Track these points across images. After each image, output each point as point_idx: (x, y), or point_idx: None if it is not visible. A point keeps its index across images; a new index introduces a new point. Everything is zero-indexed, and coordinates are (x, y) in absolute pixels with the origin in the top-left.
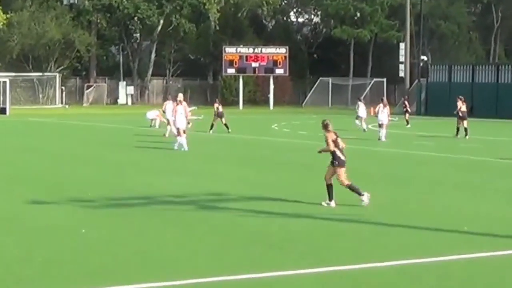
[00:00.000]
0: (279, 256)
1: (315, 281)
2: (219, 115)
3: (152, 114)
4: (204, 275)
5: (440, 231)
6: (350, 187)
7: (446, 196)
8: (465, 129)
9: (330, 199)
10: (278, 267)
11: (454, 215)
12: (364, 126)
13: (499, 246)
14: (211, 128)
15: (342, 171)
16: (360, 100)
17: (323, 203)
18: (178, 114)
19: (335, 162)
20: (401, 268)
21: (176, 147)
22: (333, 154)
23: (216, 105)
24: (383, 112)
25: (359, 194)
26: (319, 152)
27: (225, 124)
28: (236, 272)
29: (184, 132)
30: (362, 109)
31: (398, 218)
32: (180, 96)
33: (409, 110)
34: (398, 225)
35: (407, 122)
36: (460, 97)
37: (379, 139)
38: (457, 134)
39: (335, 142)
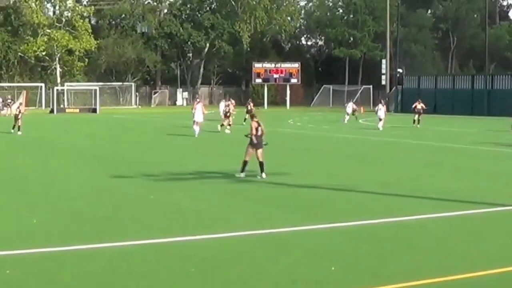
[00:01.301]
0: (293, 216)
1: (318, 235)
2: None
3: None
4: (237, 229)
5: (411, 196)
6: (244, 162)
7: (415, 171)
8: (419, 121)
9: (242, 171)
10: (290, 224)
11: (422, 186)
12: (380, 125)
13: (446, 209)
14: (244, 120)
15: (249, 149)
16: (380, 103)
17: (236, 175)
18: (197, 111)
19: (251, 142)
20: (389, 225)
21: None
22: (251, 137)
23: (248, 105)
24: (381, 110)
25: (242, 170)
26: (246, 136)
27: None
28: (261, 227)
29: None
30: (381, 111)
31: (381, 188)
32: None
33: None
34: (382, 193)
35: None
36: (419, 100)
37: (378, 129)
38: (414, 123)
39: (256, 129)
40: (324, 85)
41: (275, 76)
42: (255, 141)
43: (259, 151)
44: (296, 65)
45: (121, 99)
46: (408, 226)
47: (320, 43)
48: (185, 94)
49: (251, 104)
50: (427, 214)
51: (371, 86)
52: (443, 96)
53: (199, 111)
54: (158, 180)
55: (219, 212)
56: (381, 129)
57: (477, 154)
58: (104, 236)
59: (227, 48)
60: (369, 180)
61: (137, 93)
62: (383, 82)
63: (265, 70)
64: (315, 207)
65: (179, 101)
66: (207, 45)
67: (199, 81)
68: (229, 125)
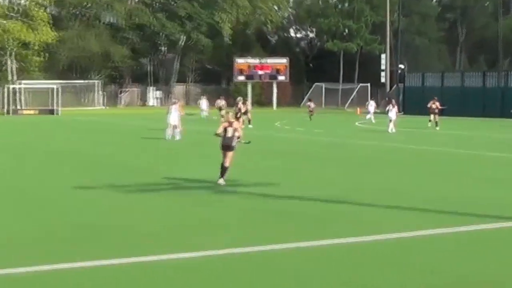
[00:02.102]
0: (285, 230)
1: (313, 252)
2: (244, 112)
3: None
4: (222, 247)
5: (418, 209)
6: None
7: (417, 177)
8: (436, 123)
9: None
10: (282, 240)
11: (426, 193)
12: (391, 127)
13: (457, 223)
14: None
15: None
16: (391, 102)
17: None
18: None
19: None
20: (389, 242)
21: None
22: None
23: (242, 105)
24: (392, 111)
25: (221, 176)
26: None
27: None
28: (249, 244)
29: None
30: (393, 112)
31: (383, 200)
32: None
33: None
34: (384, 205)
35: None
36: (435, 98)
37: (388, 131)
38: (429, 125)
39: (225, 130)
40: (315, 83)
41: (260, 73)
42: (223, 142)
43: (228, 154)
44: (284, 60)
45: (84, 99)
46: (413, 242)
47: (311, 35)
48: (158, 93)
49: (243, 103)
50: (438, 228)
51: (368, 84)
52: (451, 95)
53: (175, 113)
54: (126, 191)
55: (198, 227)
56: (392, 131)
57: (492, 161)
58: (63, 256)
59: (206, 41)
60: (371, 191)
61: (103, 92)
62: (383, 80)
63: (249, 66)
64: (308, 221)
65: (150, 101)
66: (183, 37)
67: (173, 79)
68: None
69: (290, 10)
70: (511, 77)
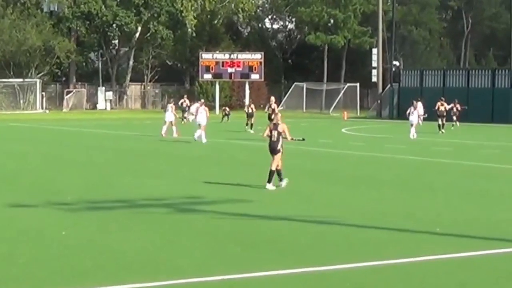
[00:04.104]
0: (256, 256)
1: (293, 281)
2: (249, 115)
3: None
4: (181, 276)
5: (415, 232)
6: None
7: (417, 197)
8: (443, 125)
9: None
10: (256, 268)
11: (427, 215)
12: (412, 132)
13: (461, 248)
14: (247, 125)
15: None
16: (412, 104)
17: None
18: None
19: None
20: (376, 268)
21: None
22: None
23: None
24: (413, 114)
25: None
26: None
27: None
28: (212, 273)
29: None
30: (414, 116)
31: (373, 219)
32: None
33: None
34: (371, 225)
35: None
36: (442, 99)
37: (410, 138)
38: (439, 130)
39: (270, 133)
40: (295, 83)
41: (230, 70)
42: (269, 145)
43: (275, 157)
44: (258, 55)
45: (21, 101)
46: (406, 269)
47: (290, 26)
48: (109, 94)
49: (273, 104)
50: (430, 255)
51: (357, 84)
52: (454, 97)
53: (203, 113)
54: (73, 210)
55: (157, 253)
56: (413, 137)
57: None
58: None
59: (166, 33)
60: (358, 209)
61: (44, 93)
62: (374, 79)
63: (217, 63)
64: (285, 244)
65: (100, 104)
66: (139, 29)
67: (128, 77)
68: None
69: None
70: None
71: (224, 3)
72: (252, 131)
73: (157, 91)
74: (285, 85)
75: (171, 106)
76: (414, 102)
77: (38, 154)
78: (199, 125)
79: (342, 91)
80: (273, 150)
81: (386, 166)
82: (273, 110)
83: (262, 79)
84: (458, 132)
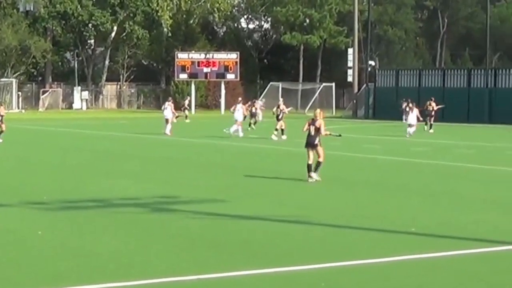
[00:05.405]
0: (229, 257)
1: (267, 281)
2: (253, 115)
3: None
4: (155, 276)
5: (389, 232)
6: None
7: (392, 198)
8: (431, 125)
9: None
10: (229, 268)
11: (401, 217)
12: (409, 131)
13: (436, 248)
14: (250, 126)
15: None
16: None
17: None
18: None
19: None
20: (351, 268)
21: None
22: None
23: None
24: (412, 113)
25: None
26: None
27: (254, 123)
28: (185, 273)
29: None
30: (413, 116)
31: (344, 219)
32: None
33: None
34: (344, 226)
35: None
36: (432, 98)
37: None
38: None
39: (308, 128)
40: (271, 83)
41: (206, 70)
42: (307, 140)
43: (313, 151)
44: (234, 55)
45: None
46: (380, 269)
47: (266, 26)
48: (85, 94)
49: (281, 105)
50: (402, 255)
51: (333, 84)
52: (430, 97)
53: (240, 111)
54: (47, 212)
55: (130, 253)
56: (408, 136)
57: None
58: None
59: (142, 33)
60: (332, 210)
61: (20, 93)
62: (350, 79)
63: (192, 63)
64: (258, 245)
65: (76, 104)
66: (115, 28)
67: (104, 77)
68: (276, 129)
69: None
70: (500, 76)
71: (199, 3)
72: (254, 128)
73: (132, 90)
74: (261, 85)
75: (169, 104)
76: (411, 103)
77: (13, 155)
78: (236, 120)
79: (318, 91)
80: (311, 145)
81: (361, 166)
82: (281, 110)
83: (238, 79)
84: (435, 132)
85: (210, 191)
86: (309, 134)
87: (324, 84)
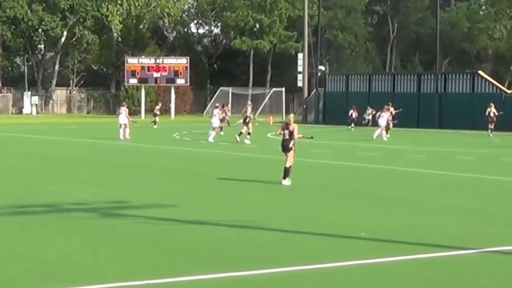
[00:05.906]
0: (178, 262)
1: (216, 286)
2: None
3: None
4: (105, 281)
5: (338, 237)
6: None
7: (343, 204)
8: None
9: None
10: (178, 273)
11: (352, 222)
12: (378, 133)
13: (381, 253)
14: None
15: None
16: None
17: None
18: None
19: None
20: (298, 274)
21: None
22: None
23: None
24: (383, 117)
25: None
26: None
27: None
28: (135, 278)
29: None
30: (384, 119)
31: (294, 225)
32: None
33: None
34: (294, 231)
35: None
36: (389, 103)
37: (373, 138)
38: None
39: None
40: (221, 88)
41: (156, 75)
42: (281, 144)
43: (288, 154)
44: (184, 60)
45: None
46: (322, 275)
47: (216, 31)
48: (35, 99)
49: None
50: (351, 261)
51: (283, 89)
52: (380, 102)
53: (216, 116)
54: None
55: (80, 258)
56: (376, 138)
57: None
58: None
59: (91, 38)
60: (281, 215)
61: None
62: (300, 84)
63: (142, 68)
64: (208, 250)
65: (26, 109)
66: (65, 33)
67: (54, 82)
68: (249, 133)
69: (190, 1)
70: (450, 81)
71: (149, 8)
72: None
73: (83, 95)
74: (211, 90)
75: (124, 109)
76: (386, 106)
77: None
78: (213, 127)
79: (268, 96)
80: (286, 148)
81: (312, 172)
82: (248, 115)
83: (188, 84)
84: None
85: (162, 197)
86: (283, 138)
87: (274, 89)
